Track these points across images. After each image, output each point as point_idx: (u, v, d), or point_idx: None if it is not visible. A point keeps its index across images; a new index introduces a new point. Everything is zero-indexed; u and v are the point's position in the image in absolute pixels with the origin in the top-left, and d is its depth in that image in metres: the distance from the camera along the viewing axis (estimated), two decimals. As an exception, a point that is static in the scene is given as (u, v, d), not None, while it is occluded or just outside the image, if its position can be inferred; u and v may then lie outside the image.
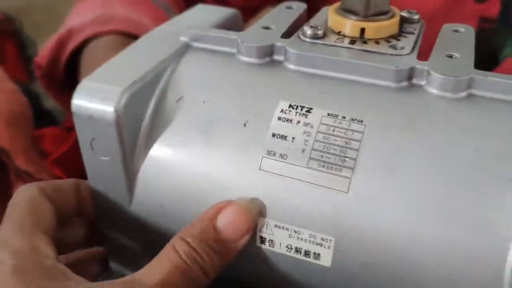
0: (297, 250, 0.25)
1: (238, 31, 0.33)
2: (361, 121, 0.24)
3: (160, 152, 0.27)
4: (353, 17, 0.28)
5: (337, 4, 0.29)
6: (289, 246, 0.25)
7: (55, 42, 0.45)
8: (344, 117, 0.25)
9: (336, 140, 0.24)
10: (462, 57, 0.26)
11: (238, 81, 0.27)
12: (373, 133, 0.24)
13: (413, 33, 0.28)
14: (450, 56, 0.26)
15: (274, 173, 0.25)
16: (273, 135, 0.25)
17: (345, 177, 0.24)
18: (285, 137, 0.25)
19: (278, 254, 0.25)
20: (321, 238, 0.24)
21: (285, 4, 0.33)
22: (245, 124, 0.26)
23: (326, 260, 0.24)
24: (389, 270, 0.23)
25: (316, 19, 0.30)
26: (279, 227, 0.25)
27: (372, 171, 0.23)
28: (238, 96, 0.27)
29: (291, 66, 0.27)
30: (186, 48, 0.29)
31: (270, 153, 0.25)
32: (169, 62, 0.28)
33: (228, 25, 0.33)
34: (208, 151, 0.26)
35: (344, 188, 0.24)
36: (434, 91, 0.25)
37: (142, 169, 0.27)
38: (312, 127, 0.25)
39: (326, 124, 0.25)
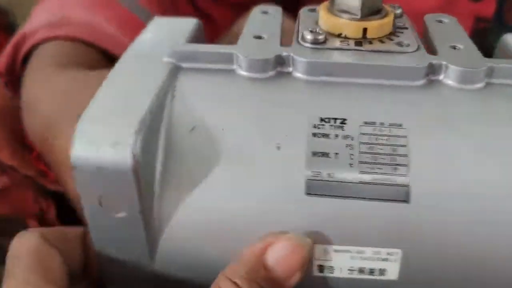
0: (361, 271, 0.23)
1: (204, 42, 0.30)
2: (401, 125, 0.24)
3: (187, 195, 0.23)
4: (351, 17, 0.27)
5: (325, 5, 0.28)
6: (351, 269, 0.23)
7: (11, 47, 0.39)
8: (382, 123, 0.24)
9: (381, 149, 0.23)
10: (467, 48, 0.26)
11: (252, 100, 0.25)
12: (416, 135, 0.23)
13: (406, 28, 0.28)
14: (454, 48, 0.27)
15: (324, 195, 0.23)
16: (314, 153, 0.23)
17: (402, 185, 0.23)
18: (327, 154, 0.23)
19: (338, 279, 0.24)
20: (387, 253, 0.23)
21: (259, 9, 0.30)
22: (278, 147, 0.23)
23: (393, 274, 0.23)
24: (460, 275, 0.23)
25: (304, 23, 0.28)
26: (339, 251, 0.23)
27: (427, 174, 0.23)
28: (259, 117, 0.24)
29: (302, 76, 0.25)
30: (176, 70, 0.26)
31: (315, 173, 0.23)
32: (166, 89, 0.24)
33: (196, 37, 0.30)
34: (243, 184, 0.23)
35: (404, 197, 0.23)
36: (454, 84, 0.25)
37: (168, 218, 0.23)
38: (352, 139, 0.23)
39: (366, 134, 0.23)
